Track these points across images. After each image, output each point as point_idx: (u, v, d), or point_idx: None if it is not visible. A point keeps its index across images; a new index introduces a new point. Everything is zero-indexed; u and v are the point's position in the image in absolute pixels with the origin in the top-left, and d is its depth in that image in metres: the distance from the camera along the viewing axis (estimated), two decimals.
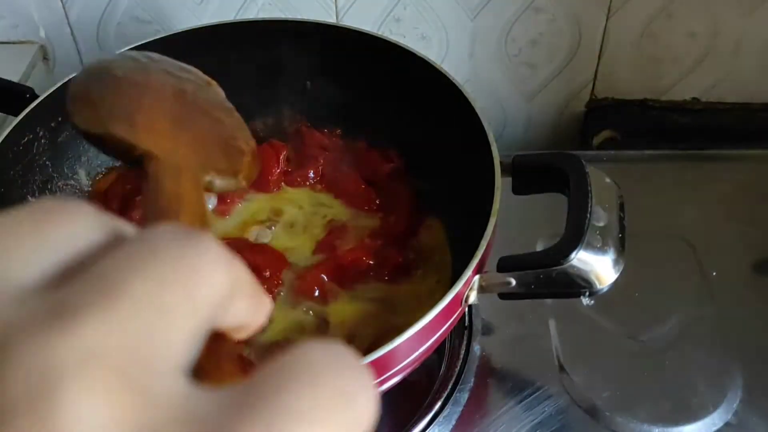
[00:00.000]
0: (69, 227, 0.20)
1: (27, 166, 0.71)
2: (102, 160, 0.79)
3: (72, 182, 0.76)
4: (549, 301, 0.73)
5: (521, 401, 0.68)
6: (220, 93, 0.41)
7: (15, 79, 0.85)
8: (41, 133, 0.72)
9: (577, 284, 0.57)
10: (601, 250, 0.57)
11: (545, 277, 0.56)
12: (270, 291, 0.68)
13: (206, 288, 0.20)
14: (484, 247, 0.56)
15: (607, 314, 0.73)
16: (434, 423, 0.66)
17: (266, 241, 0.74)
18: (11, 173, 0.70)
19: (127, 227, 0.22)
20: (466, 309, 0.66)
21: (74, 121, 0.35)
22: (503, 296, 0.60)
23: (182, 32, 0.79)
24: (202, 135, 0.36)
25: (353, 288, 0.69)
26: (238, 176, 0.37)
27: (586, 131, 1.04)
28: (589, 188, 0.59)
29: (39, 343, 0.16)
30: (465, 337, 0.72)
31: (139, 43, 0.77)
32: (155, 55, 0.40)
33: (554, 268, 0.56)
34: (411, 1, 0.93)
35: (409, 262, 0.72)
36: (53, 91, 0.73)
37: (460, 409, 0.67)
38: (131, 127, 0.33)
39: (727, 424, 0.66)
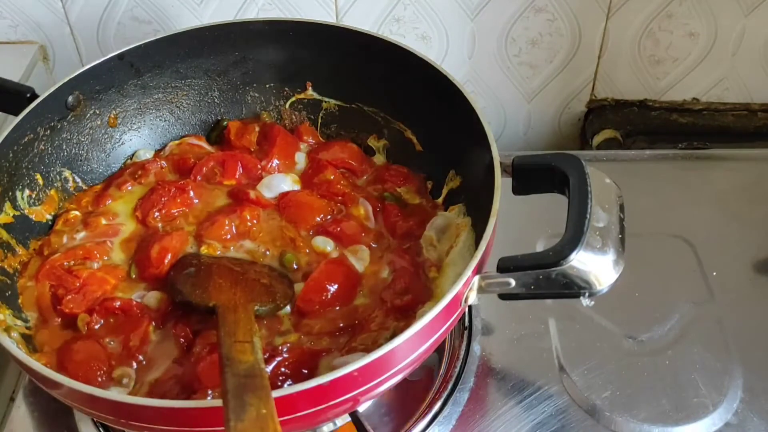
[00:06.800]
0: None
1: (28, 165, 0.72)
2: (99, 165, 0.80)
3: (71, 180, 0.76)
4: (549, 301, 0.73)
5: (521, 401, 0.68)
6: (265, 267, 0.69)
7: (15, 78, 0.85)
8: (42, 132, 0.72)
9: (577, 285, 0.57)
10: (601, 250, 0.57)
11: (545, 278, 0.56)
12: None
13: None
14: (484, 248, 0.56)
15: (607, 314, 0.73)
16: (434, 423, 0.66)
17: None
18: (12, 171, 0.70)
19: None
20: (466, 309, 0.66)
21: (183, 296, 0.65)
22: (503, 297, 0.60)
23: (182, 32, 0.79)
24: (249, 286, 0.65)
25: None
26: (276, 303, 0.65)
27: (586, 131, 1.04)
28: (589, 189, 0.59)
29: None
30: (465, 337, 0.72)
31: (139, 43, 0.77)
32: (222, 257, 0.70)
33: (554, 268, 0.56)
34: (411, 1, 0.93)
35: None
36: (54, 90, 0.73)
37: (460, 409, 0.67)
38: (207, 293, 0.64)
39: (727, 424, 0.66)
